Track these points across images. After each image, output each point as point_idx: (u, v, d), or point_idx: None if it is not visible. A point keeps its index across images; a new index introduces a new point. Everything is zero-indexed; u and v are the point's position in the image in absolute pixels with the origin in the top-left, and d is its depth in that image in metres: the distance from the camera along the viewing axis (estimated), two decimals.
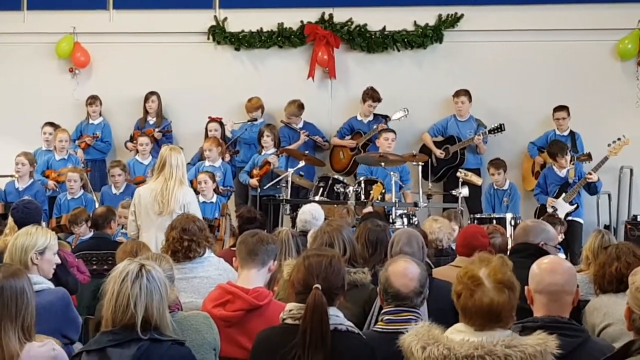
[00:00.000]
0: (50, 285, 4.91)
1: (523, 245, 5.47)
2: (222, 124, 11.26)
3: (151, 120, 11.59)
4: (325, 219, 7.69)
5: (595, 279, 4.99)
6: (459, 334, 3.24)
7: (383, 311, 4.12)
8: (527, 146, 11.07)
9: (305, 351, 3.65)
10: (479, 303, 3.21)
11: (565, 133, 10.75)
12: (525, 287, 3.74)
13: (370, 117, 11.22)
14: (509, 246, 6.85)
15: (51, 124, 11.25)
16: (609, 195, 10.97)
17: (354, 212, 8.83)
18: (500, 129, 10.67)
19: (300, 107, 11.26)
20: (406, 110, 10.96)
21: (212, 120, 11.24)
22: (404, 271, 4.09)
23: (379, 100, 11.12)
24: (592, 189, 10.14)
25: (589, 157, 10.38)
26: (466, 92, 10.98)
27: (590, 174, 9.97)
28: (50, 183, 10.66)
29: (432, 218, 7.66)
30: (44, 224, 7.65)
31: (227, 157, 10.99)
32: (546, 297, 3.72)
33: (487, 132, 10.77)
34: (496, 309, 3.21)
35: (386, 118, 11.06)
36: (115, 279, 3.53)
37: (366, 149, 11.04)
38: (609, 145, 10.16)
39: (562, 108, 10.74)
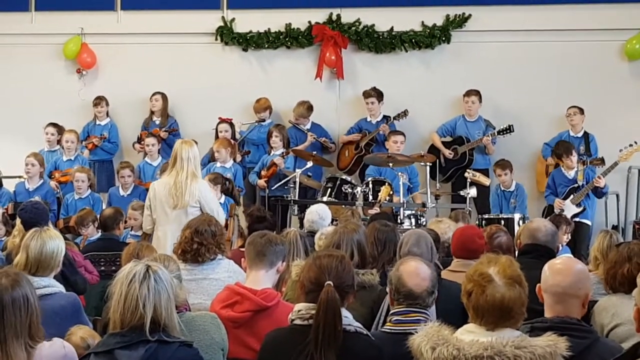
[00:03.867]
0: (62, 289, 4.92)
1: (531, 246, 5.46)
2: (232, 125, 11.24)
3: (157, 120, 11.56)
4: (332, 220, 7.70)
5: (606, 277, 4.97)
6: (469, 334, 3.25)
7: (392, 312, 4.11)
8: (535, 147, 11.03)
9: (318, 349, 3.63)
10: (491, 299, 3.23)
11: (579, 134, 10.67)
12: (537, 285, 3.74)
13: (379, 118, 11.20)
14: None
15: (54, 125, 11.18)
16: (617, 196, 10.94)
17: (359, 214, 8.81)
18: (509, 130, 10.62)
19: (310, 108, 11.26)
20: (406, 112, 10.94)
21: (222, 121, 11.22)
22: (416, 271, 4.08)
23: (370, 95, 11.10)
24: (599, 192, 10.10)
25: (602, 161, 10.24)
26: (477, 93, 10.95)
27: (599, 178, 9.91)
28: (52, 184, 10.56)
29: (437, 219, 7.64)
30: (51, 225, 7.66)
31: (239, 158, 10.99)
32: (550, 297, 3.71)
33: (496, 133, 10.75)
34: (507, 304, 3.23)
35: (388, 119, 11.06)
36: (122, 281, 3.51)
37: (369, 149, 11.04)
38: (620, 150, 10.08)
39: (575, 107, 10.69)
